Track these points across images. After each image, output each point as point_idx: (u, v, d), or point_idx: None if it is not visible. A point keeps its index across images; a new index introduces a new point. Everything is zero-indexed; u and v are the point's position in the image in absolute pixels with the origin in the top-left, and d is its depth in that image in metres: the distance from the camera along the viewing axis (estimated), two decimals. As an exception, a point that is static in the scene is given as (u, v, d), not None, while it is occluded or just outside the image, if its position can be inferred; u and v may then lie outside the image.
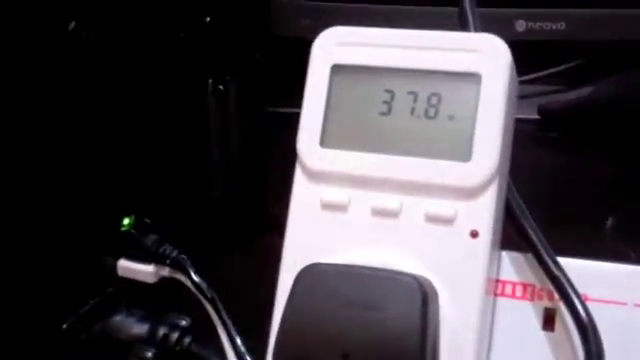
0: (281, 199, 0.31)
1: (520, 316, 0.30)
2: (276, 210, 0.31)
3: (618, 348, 0.28)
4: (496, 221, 0.29)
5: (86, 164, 0.42)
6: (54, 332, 0.41)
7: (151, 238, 0.42)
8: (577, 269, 0.29)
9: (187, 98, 0.46)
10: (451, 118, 0.28)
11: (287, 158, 0.31)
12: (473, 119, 0.28)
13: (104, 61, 0.42)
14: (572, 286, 0.29)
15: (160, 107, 0.45)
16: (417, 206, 0.29)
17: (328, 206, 0.30)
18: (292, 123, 0.31)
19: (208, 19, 0.46)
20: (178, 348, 0.41)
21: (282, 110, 0.49)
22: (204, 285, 0.40)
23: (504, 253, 0.31)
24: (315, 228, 0.30)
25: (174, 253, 0.41)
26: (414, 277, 0.27)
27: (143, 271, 0.42)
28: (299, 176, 0.30)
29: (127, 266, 0.42)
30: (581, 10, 0.47)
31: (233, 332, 0.38)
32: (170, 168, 0.46)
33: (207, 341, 0.40)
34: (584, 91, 0.48)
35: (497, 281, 0.31)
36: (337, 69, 0.30)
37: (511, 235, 0.30)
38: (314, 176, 0.30)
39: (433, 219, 0.28)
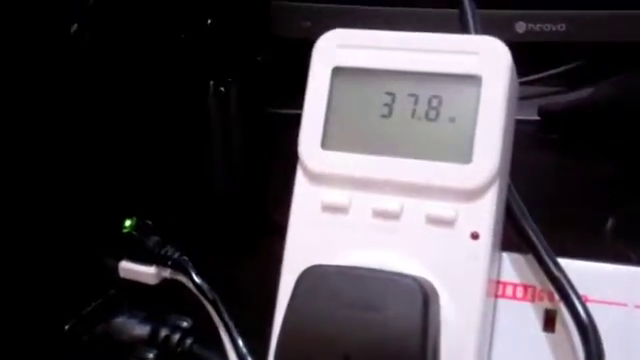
0: (282, 201, 0.31)
1: (521, 317, 0.30)
2: (277, 212, 0.32)
3: (618, 349, 0.28)
4: (497, 222, 0.29)
5: (88, 165, 0.42)
6: (56, 333, 0.42)
7: (153, 239, 0.42)
8: (577, 270, 0.29)
9: (188, 100, 0.46)
10: (452, 120, 0.29)
11: (288, 160, 0.31)
12: (474, 121, 0.28)
13: (106, 63, 0.42)
14: (572, 287, 0.29)
15: (162, 109, 0.45)
16: (418, 208, 0.29)
17: (329, 208, 0.30)
18: (293, 124, 0.31)
19: (209, 21, 0.46)
20: (179, 349, 0.41)
21: (283, 111, 0.49)
22: (206, 286, 0.40)
23: (505, 254, 0.31)
24: (316, 230, 0.30)
25: (176, 254, 0.41)
26: (415, 278, 0.27)
27: (145, 272, 0.42)
28: (300, 178, 0.30)
29: (129, 267, 0.42)
30: (581, 11, 0.47)
31: (235, 333, 0.38)
32: (171, 169, 0.46)
33: (209, 342, 0.40)
34: (584, 92, 0.48)
35: (498, 282, 0.31)
36: (338, 71, 0.30)
37: (511, 236, 0.30)
38: (315, 178, 0.30)
39: (434, 221, 0.28)
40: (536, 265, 0.30)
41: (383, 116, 0.29)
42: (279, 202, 0.31)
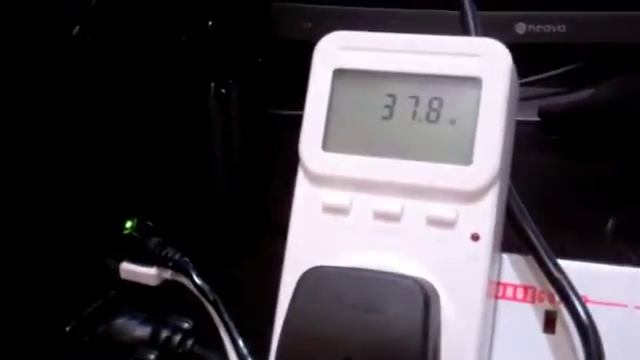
0: (283, 202, 0.31)
1: (521, 318, 0.30)
2: (278, 213, 0.32)
3: (618, 350, 0.28)
4: (497, 224, 0.29)
5: (89, 167, 0.42)
6: (57, 334, 0.42)
7: (153, 241, 0.42)
8: (578, 271, 0.29)
9: (189, 101, 0.46)
10: (452, 122, 0.29)
11: (289, 161, 0.31)
12: (474, 123, 0.28)
13: (107, 65, 0.42)
14: (573, 288, 0.29)
15: (163, 110, 0.46)
16: (418, 209, 0.29)
17: (330, 209, 0.30)
18: (294, 126, 0.31)
19: (210, 23, 0.46)
20: (180, 350, 0.41)
21: (284, 113, 0.49)
22: (206, 288, 0.40)
23: (505, 256, 0.31)
24: (317, 231, 0.30)
25: (176, 256, 0.41)
26: (415, 280, 0.27)
27: (145, 274, 0.42)
28: (301, 179, 0.31)
29: (130, 269, 0.42)
30: (581, 13, 0.47)
31: (235, 334, 0.38)
32: (172, 171, 0.46)
33: (209, 343, 0.40)
34: (584, 93, 0.48)
35: (498, 284, 0.31)
36: (339, 73, 0.30)
37: (512, 237, 0.30)
38: (316, 179, 0.30)
39: (434, 222, 0.28)
40: (536, 266, 0.30)
41: (384, 118, 0.29)
42: (280, 203, 0.31)
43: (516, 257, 0.31)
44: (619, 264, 0.30)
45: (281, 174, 0.32)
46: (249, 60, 0.50)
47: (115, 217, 0.43)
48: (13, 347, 0.39)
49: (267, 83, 0.50)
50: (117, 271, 0.42)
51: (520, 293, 0.31)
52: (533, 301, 0.30)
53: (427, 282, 0.28)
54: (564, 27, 0.47)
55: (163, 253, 0.42)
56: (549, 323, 0.30)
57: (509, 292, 0.31)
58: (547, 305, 0.30)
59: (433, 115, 0.29)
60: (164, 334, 0.41)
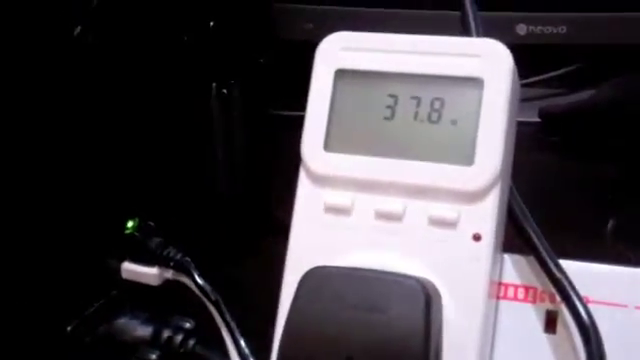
0: (285, 202, 0.31)
1: (522, 318, 0.30)
2: (280, 213, 0.32)
3: (619, 350, 0.28)
4: (498, 224, 0.29)
5: (91, 167, 0.42)
6: (58, 334, 0.42)
7: (155, 241, 0.42)
8: (579, 271, 0.29)
9: (191, 101, 0.46)
10: (454, 122, 0.29)
11: (291, 161, 0.31)
12: (476, 123, 0.28)
13: (109, 65, 0.42)
14: (574, 288, 0.29)
15: (164, 111, 0.46)
16: (420, 209, 0.29)
17: (332, 209, 0.30)
18: (295, 126, 0.31)
19: (212, 23, 0.47)
20: (182, 350, 0.41)
21: (285, 113, 0.49)
22: (208, 287, 0.40)
23: (506, 256, 0.31)
24: (319, 231, 0.30)
25: (178, 256, 0.41)
26: (417, 280, 0.27)
27: (147, 273, 0.42)
28: (303, 179, 0.31)
29: (131, 269, 0.42)
30: (582, 14, 0.47)
31: (237, 334, 0.38)
32: (174, 171, 0.46)
33: (211, 343, 0.40)
34: (585, 94, 0.48)
35: (499, 284, 0.31)
36: (341, 74, 0.30)
37: (513, 238, 0.30)
38: (318, 180, 0.30)
39: (436, 222, 0.29)
40: (537, 266, 0.30)
41: (386, 118, 0.29)
42: (281, 203, 0.32)
43: (517, 257, 0.31)
44: (619, 264, 0.30)
45: (283, 174, 0.32)
46: (251, 61, 0.50)
47: (117, 217, 0.43)
48: (14, 347, 0.39)
49: (269, 84, 0.50)
50: (119, 271, 0.42)
51: (521, 293, 0.31)
52: (534, 301, 0.30)
53: (429, 282, 0.28)
54: (565, 28, 0.47)
55: (165, 253, 0.42)
56: (550, 323, 0.30)
57: (510, 292, 0.31)
58: (548, 305, 0.30)
59: (435, 115, 0.29)
60: (166, 334, 0.41)
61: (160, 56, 0.45)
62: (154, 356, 0.40)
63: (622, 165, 0.44)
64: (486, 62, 0.29)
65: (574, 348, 0.29)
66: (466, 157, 0.28)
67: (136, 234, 0.43)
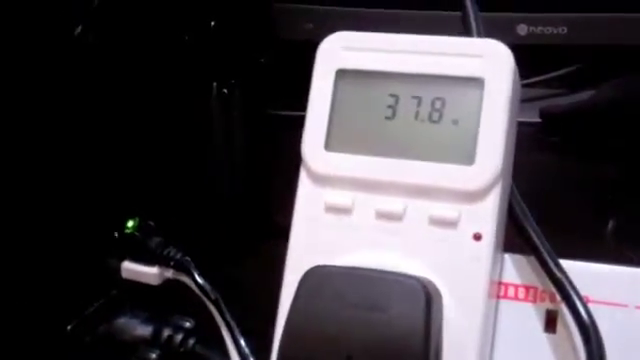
0: (285, 202, 0.31)
1: (522, 318, 0.30)
2: (280, 213, 0.32)
3: (619, 349, 0.28)
4: (499, 224, 0.29)
5: (91, 166, 0.42)
6: (58, 334, 0.42)
7: (155, 240, 0.42)
8: (579, 271, 0.30)
9: (191, 101, 0.46)
10: (455, 122, 0.29)
11: (291, 161, 0.31)
12: (476, 123, 0.28)
13: (109, 65, 0.42)
14: (574, 288, 0.29)
15: (164, 110, 0.46)
16: (421, 209, 0.29)
17: (332, 209, 0.30)
18: (296, 126, 0.31)
19: (213, 23, 0.47)
20: (182, 349, 0.41)
21: (286, 113, 0.49)
22: (208, 287, 0.40)
23: (506, 255, 0.31)
24: (319, 231, 0.30)
25: (178, 255, 0.42)
26: (418, 279, 0.27)
27: (147, 273, 0.42)
28: (304, 179, 0.31)
29: (131, 268, 0.42)
30: (582, 14, 0.47)
31: (237, 333, 0.38)
32: (174, 171, 0.46)
33: (211, 343, 0.40)
34: (585, 95, 0.48)
35: (500, 283, 0.31)
36: (342, 74, 0.30)
37: (513, 237, 0.31)
38: (319, 179, 0.30)
39: (437, 222, 0.29)
40: (538, 266, 0.30)
41: (386, 118, 0.30)
42: (282, 203, 0.32)
43: (518, 257, 0.31)
44: (620, 264, 0.30)
45: (283, 174, 0.32)
46: (251, 60, 0.50)
47: (117, 216, 0.43)
48: (14, 346, 0.39)
49: (269, 84, 0.50)
50: (119, 270, 0.42)
51: (521, 293, 0.31)
52: (534, 301, 0.30)
53: (429, 281, 0.28)
54: (565, 29, 0.47)
55: (165, 252, 0.42)
56: (550, 323, 0.30)
57: (510, 292, 0.31)
58: (548, 305, 0.30)
59: (436, 115, 0.29)
60: (166, 333, 0.41)
61: (161, 56, 0.45)
62: (154, 355, 0.40)
63: (622, 165, 0.44)
64: (487, 62, 0.29)
65: (574, 348, 0.29)
66: (467, 157, 0.28)
67: (136, 234, 0.43)
